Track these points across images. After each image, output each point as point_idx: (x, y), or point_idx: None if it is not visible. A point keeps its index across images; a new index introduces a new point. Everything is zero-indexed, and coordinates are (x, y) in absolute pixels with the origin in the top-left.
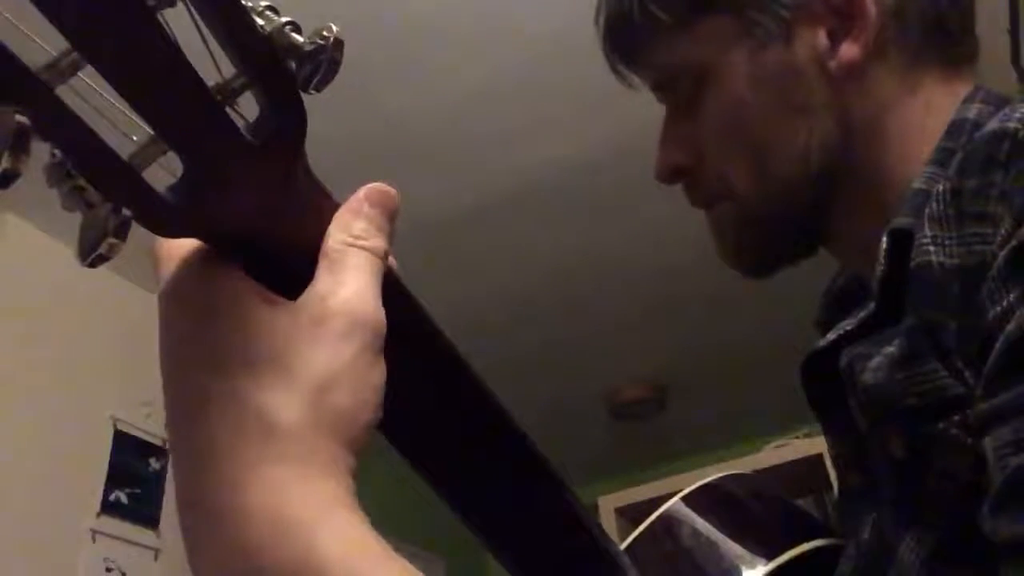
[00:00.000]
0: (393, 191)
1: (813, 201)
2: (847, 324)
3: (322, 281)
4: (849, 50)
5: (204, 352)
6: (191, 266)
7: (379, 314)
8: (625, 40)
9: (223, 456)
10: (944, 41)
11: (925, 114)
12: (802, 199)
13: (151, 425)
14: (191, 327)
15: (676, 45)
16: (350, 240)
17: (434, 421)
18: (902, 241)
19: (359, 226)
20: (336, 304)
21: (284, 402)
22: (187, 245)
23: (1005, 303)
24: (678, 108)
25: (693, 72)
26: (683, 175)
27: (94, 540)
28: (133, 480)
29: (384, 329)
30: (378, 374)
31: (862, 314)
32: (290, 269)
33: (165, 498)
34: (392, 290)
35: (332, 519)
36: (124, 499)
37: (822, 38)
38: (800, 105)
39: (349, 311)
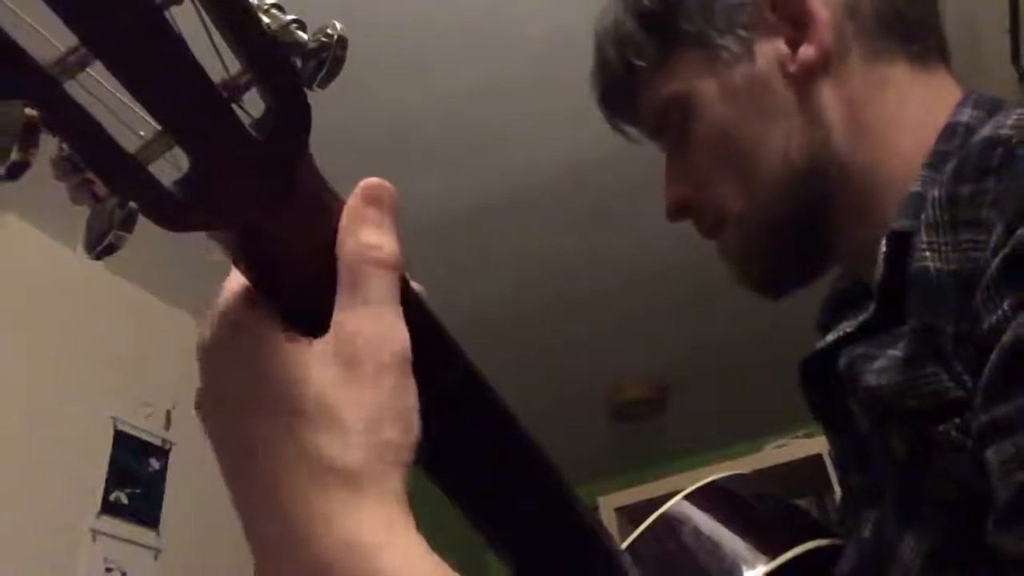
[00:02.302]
0: (387, 184)
1: (805, 199)
2: (846, 326)
3: (346, 315)
4: (806, 52)
5: (250, 399)
6: (229, 320)
7: (403, 336)
8: (615, 94)
9: (288, 493)
10: (903, 34)
11: (899, 108)
12: (793, 198)
13: (151, 425)
14: (234, 377)
15: (656, 85)
16: (365, 252)
17: (438, 421)
18: (901, 244)
19: (369, 233)
20: (365, 343)
21: (337, 444)
22: (226, 301)
23: (1000, 312)
24: (674, 147)
25: (677, 107)
26: (689, 210)
27: (94, 540)
28: (133, 480)
29: (409, 348)
30: (412, 396)
31: (861, 316)
32: (296, 265)
33: (165, 498)
34: (405, 297)
35: (393, 540)
36: (124, 499)
37: (781, 47)
38: (772, 112)
39: (378, 348)
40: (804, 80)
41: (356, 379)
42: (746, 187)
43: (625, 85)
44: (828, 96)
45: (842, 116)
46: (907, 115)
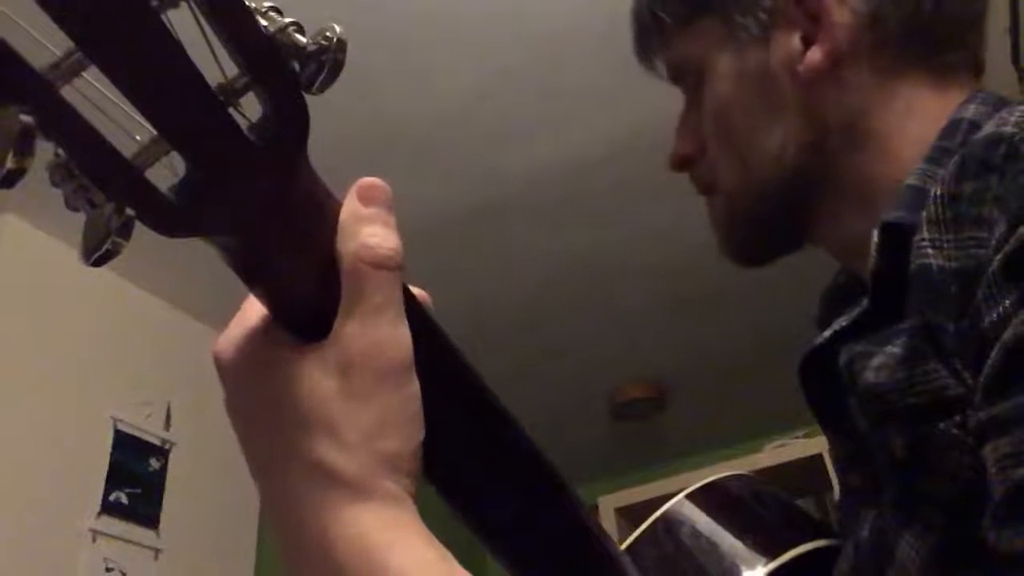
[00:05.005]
0: (381, 182)
1: (789, 202)
2: (842, 321)
3: (347, 322)
4: (814, 55)
5: (258, 413)
6: (239, 333)
7: (403, 341)
8: (642, 38)
9: (301, 502)
10: (928, 50)
11: (906, 118)
12: (777, 198)
13: (151, 425)
14: (245, 392)
15: (678, 43)
16: (364, 252)
17: (437, 424)
18: (895, 236)
19: (367, 232)
20: (362, 353)
21: (337, 455)
22: (241, 313)
23: (1001, 309)
24: (689, 102)
25: (692, 69)
26: (690, 164)
27: (94, 540)
28: (133, 480)
29: (409, 350)
30: (412, 404)
31: (856, 311)
32: (295, 270)
33: (165, 498)
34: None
35: (401, 538)
36: (124, 499)
37: (796, 42)
38: (774, 106)
39: (376, 357)
40: (810, 83)
41: (353, 391)
42: (740, 170)
43: (649, 32)
44: (832, 101)
45: (844, 123)
46: (913, 125)
